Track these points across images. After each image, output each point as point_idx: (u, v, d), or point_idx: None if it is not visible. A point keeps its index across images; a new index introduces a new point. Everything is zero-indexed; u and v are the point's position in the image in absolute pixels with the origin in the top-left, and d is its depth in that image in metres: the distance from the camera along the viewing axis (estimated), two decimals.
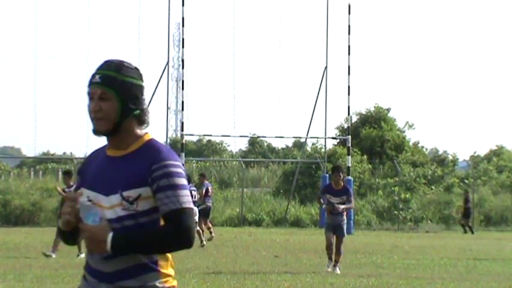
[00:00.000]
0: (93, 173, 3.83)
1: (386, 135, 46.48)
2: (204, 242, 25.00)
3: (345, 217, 15.86)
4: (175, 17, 36.77)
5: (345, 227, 15.87)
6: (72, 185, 20.94)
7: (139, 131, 3.82)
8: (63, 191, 19.25)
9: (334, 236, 15.66)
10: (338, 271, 15.33)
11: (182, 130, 33.96)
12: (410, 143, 48.57)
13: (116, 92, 3.74)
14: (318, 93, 38.22)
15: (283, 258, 18.57)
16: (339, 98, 52.72)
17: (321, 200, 16.03)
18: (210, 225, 25.75)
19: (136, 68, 3.87)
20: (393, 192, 40.18)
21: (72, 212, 3.72)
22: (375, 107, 48.67)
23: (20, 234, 28.17)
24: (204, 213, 25.54)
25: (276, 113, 38.25)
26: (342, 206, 15.49)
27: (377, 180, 42.04)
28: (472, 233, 34.27)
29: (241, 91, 39.05)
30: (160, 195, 3.68)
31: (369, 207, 38.54)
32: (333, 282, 13.79)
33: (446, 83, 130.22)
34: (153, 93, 37.12)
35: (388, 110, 48.82)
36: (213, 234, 25.20)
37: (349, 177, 34.03)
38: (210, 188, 25.96)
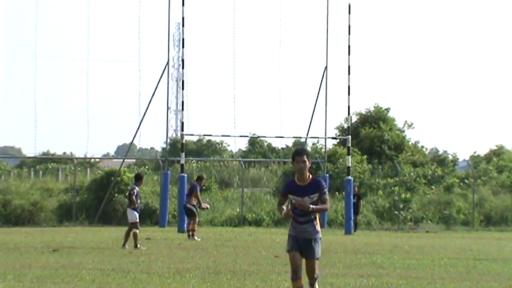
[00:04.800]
0: None
1: (386, 135, 46.45)
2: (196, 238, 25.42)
3: (318, 227, 10.17)
4: (175, 17, 36.84)
5: (318, 243, 10.13)
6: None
7: None
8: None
9: (301, 257, 10.11)
10: None
11: (182, 130, 33.95)
12: (410, 143, 48.52)
13: None
14: (318, 93, 38.28)
15: (283, 258, 18.53)
16: (339, 98, 52.64)
17: (283, 207, 10.27)
18: (195, 227, 26.00)
19: None
20: (393, 192, 40.17)
21: None
22: (374, 107, 48.65)
23: (20, 234, 28.17)
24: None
25: (276, 113, 38.24)
26: (312, 206, 10.05)
27: (377, 180, 42.03)
28: (355, 230, 33.07)
29: (241, 91, 38.90)
30: None
31: (369, 207, 38.52)
32: (333, 282, 13.78)
33: (446, 83, 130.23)
34: (153, 93, 37.21)
35: (388, 109, 48.80)
36: (196, 238, 25.52)
37: (349, 177, 34.02)
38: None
